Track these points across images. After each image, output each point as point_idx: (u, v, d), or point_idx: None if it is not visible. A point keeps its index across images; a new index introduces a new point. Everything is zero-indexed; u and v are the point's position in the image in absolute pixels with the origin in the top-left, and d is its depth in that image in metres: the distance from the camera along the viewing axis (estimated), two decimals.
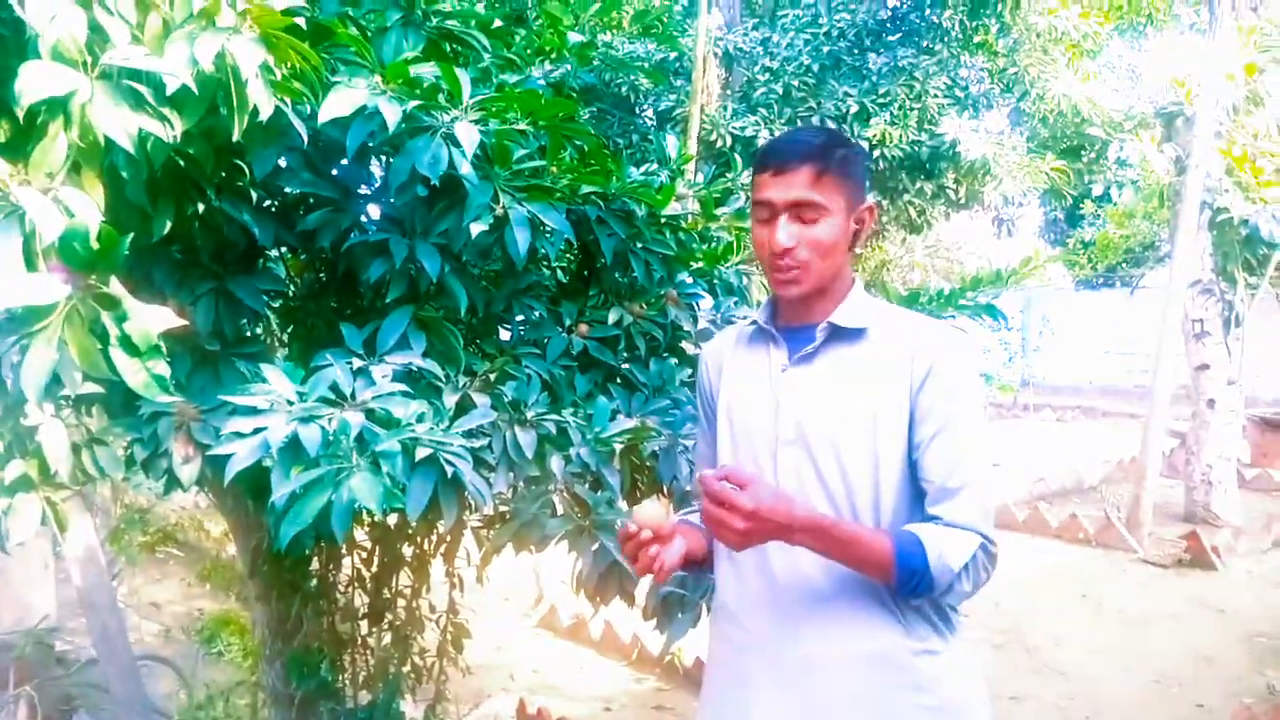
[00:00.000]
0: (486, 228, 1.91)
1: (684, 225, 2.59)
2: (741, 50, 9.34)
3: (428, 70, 1.84)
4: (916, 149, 8.94)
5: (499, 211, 1.94)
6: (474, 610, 3.57)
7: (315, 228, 1.97)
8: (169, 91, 1.38)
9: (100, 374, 1.30)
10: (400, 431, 1.60)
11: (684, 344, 2.54)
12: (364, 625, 2.87)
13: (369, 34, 2.11)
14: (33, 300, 1.22)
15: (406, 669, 2.91)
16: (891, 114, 8.71)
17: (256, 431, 1.57)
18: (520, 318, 2.41)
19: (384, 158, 2.14)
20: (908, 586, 1.35)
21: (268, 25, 1.45)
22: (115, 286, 1.30)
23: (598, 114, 8.50)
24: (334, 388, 1.73)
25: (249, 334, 2.19)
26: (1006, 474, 9.25)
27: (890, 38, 9.51)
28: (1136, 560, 6.49)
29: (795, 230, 1.42)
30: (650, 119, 9.53)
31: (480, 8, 3.57)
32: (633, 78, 8.44)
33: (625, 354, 2.39)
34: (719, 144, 8.77)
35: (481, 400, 1.93)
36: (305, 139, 1.73)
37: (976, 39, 9.03)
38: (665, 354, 2.45)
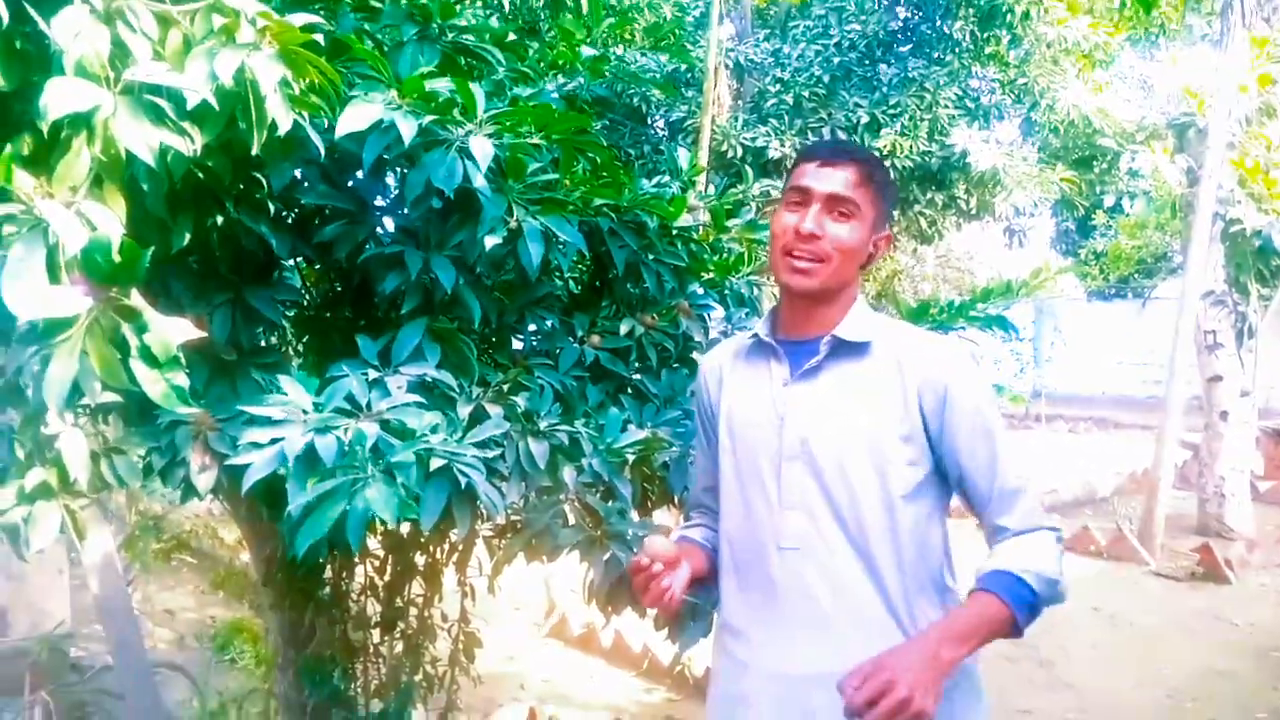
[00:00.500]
0: (500, 240, 1.93)
1: (695, 237, 2.60)
2: (753, 61, 9.38)
3: (443, 85, 1.87)
4: (927, 159, 8.94)
5: (513, 224, 1.96)
6: (485, 620, 3.58)
7: (331, 239, 1.99)
8: (189, 106, 1.41)
9: (120, 385, 1.31)
10: (415, 442, 1.61)
11: (695, 355, 2.55)
12: (376, 634, 2.89)
13: (385, 48, 2.14)
14: (56, 312, 1.24)
15: (418, 678, 2.92)
16: (902, 125, 8.72)
17: (273, 442, 1.59)
18: (533, 328, 2.43)
19: (399, 170, 2.16)
20: (1031, 618, 1.37)
21: (287, 42, 1.48)
22: (136, 298, 1.32)
23: (610, 125, 8.54)
24: (349, 398, 1.75)
25: (265, 344, 2.21)
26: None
27: (901, 49, 9.52)
28: (1149, 573, 6.45)
29: (825, 221, 1.44)
30: (662, 129, 9.56)
31: (494, 21, 3.60)
32: (644, 89, 8.48)
33: (637, 365, 2.40)
34: (730, 155, 8.80)
35: (495, 411, 1.94)
36: (322, 152, 1.75)
37: (987, 50, 9.04)
38: (676, 365, 2.46)
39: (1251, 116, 6.91)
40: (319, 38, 1.61)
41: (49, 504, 1.70)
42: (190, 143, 1.46)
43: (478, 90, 1.86)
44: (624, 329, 2.35)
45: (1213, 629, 5.36)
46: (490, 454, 1.83)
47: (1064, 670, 4.74)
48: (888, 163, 8.73)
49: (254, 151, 1.51)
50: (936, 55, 9.13)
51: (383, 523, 1.84)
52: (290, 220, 2.16)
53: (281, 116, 1.49)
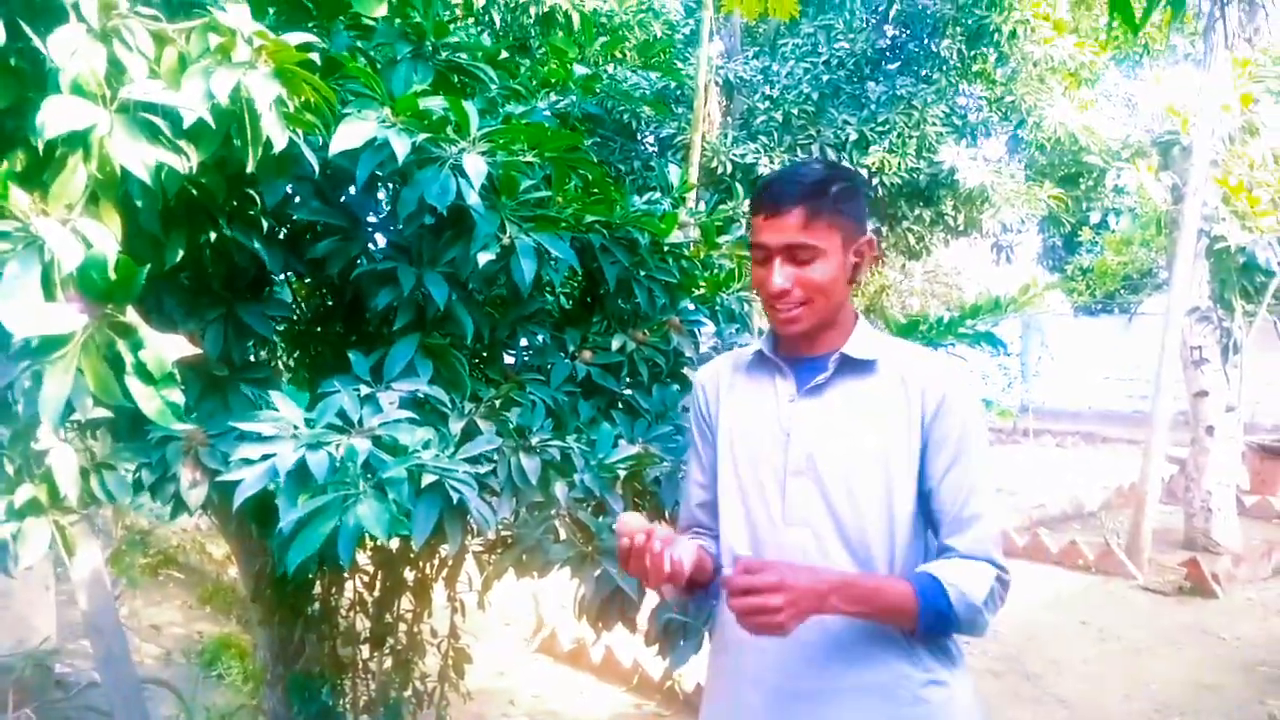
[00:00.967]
0: (493, 257, 1.94)
1: (686, 253, 2.62)
2: (742, 78, 9.44)
3: (436, 103, 1.88)
4: (915, 176, 9.00)
5: (505, 241, 1.97)
6: (475, 635, 3.57)
7: (324, 255, 2.00)
8: (185, 124, 1.42)
9: (115, 401, 1.32)
10: (407, 458, 1.62)
11: (686, 370, 2.56)
12: (365, 650, 2.88)
13: (379, 66, 2.16)
14: (51, 330, 1.24)
15: (407, 693, 2.91)
16: (890, 142, 8.78)
17: (265, 458, 1.59)
18: (524, 344, 2.44)
19: (392, 187, 2.17)
20: (934, 629, 1.36)
21: (282, 60, 1.49)
22: (131, 315, 1.33)
23: (600, 141, 8.57)
24: (341, 414, 1.75)
25: (256, 360, 2.21)
26: (1006, 500, 9.25)
27: (889, 66, 9.60)
28: (1136, 587, 6.47)
29: (790, 271, 1.43)
30: (652, 146, 9.60)
31: (485, 39, 3.62)
32: (635, 106, 8.52)
33: (628, 380, 2.41)
34: (720, 171, 8.84)
35: (486, 426, 1.95)
36: (316, 169, 1.76)
37: (975, 68, 9.12)
38: (667, 380, 2.47)
39: (1235, 135, 6.98)
40: (314, 56, 1.62)
41: (38, 520, 1.70)
42: (185, 160, 1.47)
43: (471, 108, 1.87)
44: (615, 344, 2.36)
45: (1200, 643, 5.38)
46: (482, 469, 1.83)
47: (1052, 684, 4.75)
48: (875, 180, 8.80)
49: (249, 169, 1.52)
50: (924, 73, 9.20)
51: (373, 538, 1.85)
52: (282, 236, 2.17)
53: (276, 134, 1.51)
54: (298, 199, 2.03)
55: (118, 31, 1.40)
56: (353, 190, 2.08)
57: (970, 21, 8.59)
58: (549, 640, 5.04)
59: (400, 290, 1.94)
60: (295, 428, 1.68)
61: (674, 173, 2.90)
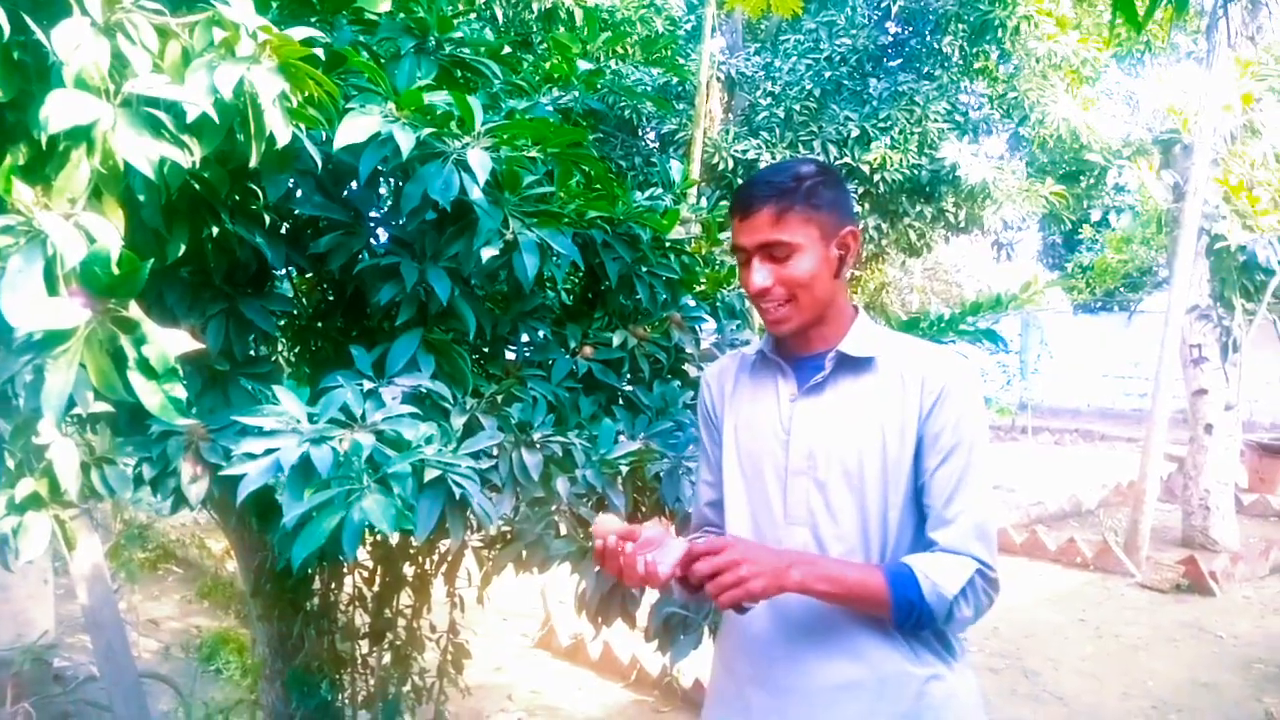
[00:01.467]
0: (496, 252, 1.94)
1: (688, 249, 2.62)
2: (744, 75, 9.42)
3: (440, 98, 1.88)
4: (917, 173, 8.99)
5: (508, 236, 1.97)
6: (474, 631, 3.57)
7: (326, 250, 2.00)
8: (189, 119, 1.41)
9: (117, 395, 1.32)
10: (410, 453, 1.62)
11: (687, 366, 2.56)
12: (365, 645, 2.88)
13: (383, 61, 2.15)
14: (54, 324, 1.24)
15: (406, 689, 2.91)
16: (892, 138, 8.78)
17: (268, 452, 1.59)
18: (526, 339, 2.43)
19: (395, 182, 2.17)
20: (908, 618, 1.36)
21: (286, 55, 1.49)
22: (134, 310, 1.33)
23: (602, 137, 8.56)
24: (344, 409, 1.75)
25: (258, 354, 2.21)
26: (1005, 497, 9.27)
27: (891, 63, 9.59)
28: (1134, 585, 6.49)
29: (769, 270, 1.44)
30: (654, 141, 9.59)
31: (488, 34, 3.62)
32: (637, 102, 8.51)
33: (629, 376, 2.41)
34: (721, 167, 8.83)
35: (488, 422, 1.95)
36: (319, 163, 1.76)
37: (977, 65, 9.10)
38: (669, 376, 2.47)
39: (1236, 134, 6.98)
40: (318, 51, 1.62)
41: (39, 514, 1.70)
42: (188, 155, 1.47)
43: (475, 103, 1.87)
44: (616, 340, 2.36)
45: (1197, 641, 5.39)
46: (484, 465, 1.84)
47: (1050, 681, 4.76)
48: (876, 176, 8.79)
49: (252, 164, 1.52)
50: (926, 70, 9.19)
51: (374, 534, 1.85)
52: (285, 231, 2.16)
53: (280, 129, 1.50)
54: (300, 194, 2.03)
55: (121, 25, 1.40)
56: (355, 185, 2.08)
57: (973, 17, 8.58)
58: (547, 636, 5.05)
59: (403, 285, 1.94)
60: (298, 422, 1.68)
61: (676, 169, 2.90)
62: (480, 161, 1.77)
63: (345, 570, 2.76)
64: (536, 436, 1.98)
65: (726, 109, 9.56)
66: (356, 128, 1.70)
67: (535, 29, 3.59)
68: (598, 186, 2.37)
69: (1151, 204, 7.66)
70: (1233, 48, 6.69)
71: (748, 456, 1.54)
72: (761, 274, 1.44)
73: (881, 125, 8.80)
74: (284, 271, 2.30)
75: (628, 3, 8.02)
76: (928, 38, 9.32)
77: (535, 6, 3.78)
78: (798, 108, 9.00)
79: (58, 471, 1.67)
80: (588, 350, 2.35)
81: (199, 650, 4.67)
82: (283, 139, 1.51)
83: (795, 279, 1.43)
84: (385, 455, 1.62)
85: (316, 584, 2.76)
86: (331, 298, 2.41)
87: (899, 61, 9.57)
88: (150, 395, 1.31)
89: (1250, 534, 7.80)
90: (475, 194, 1.81)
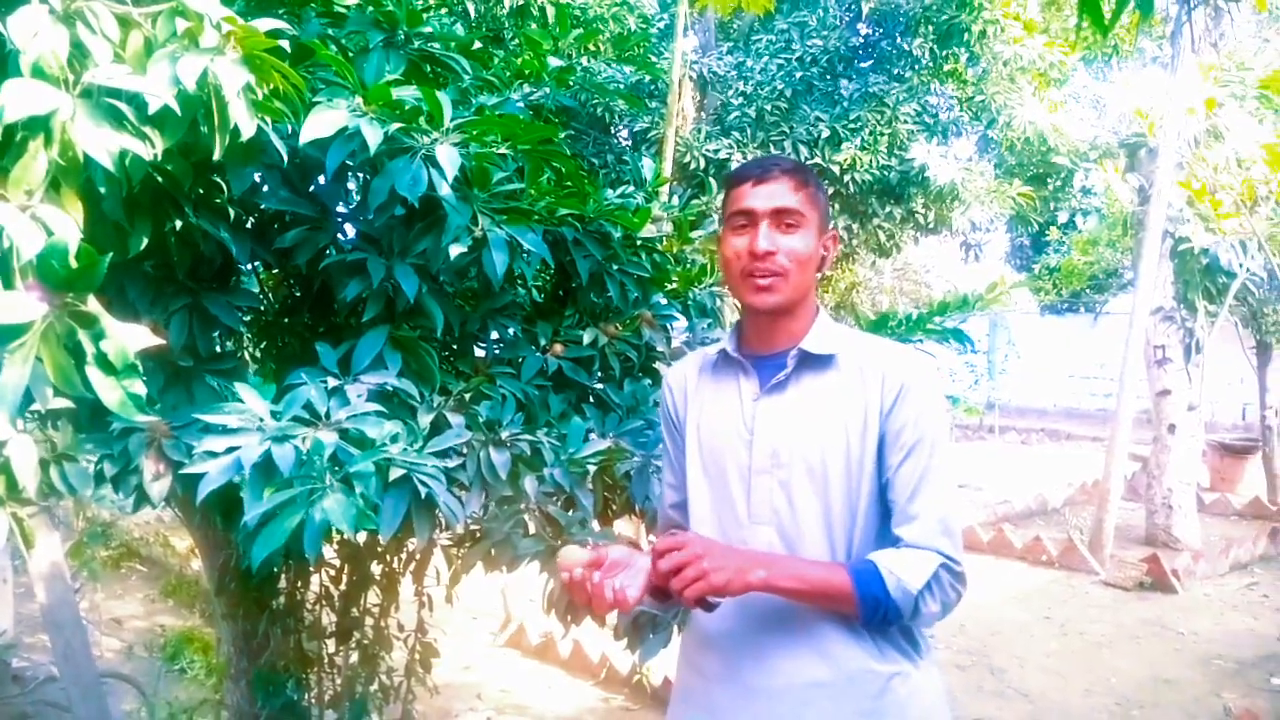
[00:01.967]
0: (465, 249, 1.92)
1: (659, 247, 2.61)
2: (716, 74, 9.43)
3: (409, 93, 1.86)
4: (886, 174, 9.04)
5: (477, 233, 1.95)
6: (442, 629, 3.55)
7: (292, 245, 1.97)
8: (151, 111, 1.39)
9: (75, 392, 1.29)
10: (375, 452, 1.60)
11: (658, 365, 2.56)
12: (331, 644, 2.85)
13: (351, 54, 2.13)
14: (10, 319, 1.21)
15: (374, 688, 2.89)
16: (862, 139, 8.82)
17: (230, 450, 1.57)
18: (495, 337, 2.42)
19: (362, 177, 2.15)
20: (874, 615, 1.37)
21: (251, 47, 1.47)
22: (92, 304, 1.30)
23: (574, 135, 8.53)
24: (308, 407, 1.73)
25: (222, 350, 2.18)
26: (972, 496, 9.36)
27: (862, 64, 9.63)
28: (1098, 582, 6.58)
29: (775, 237, 1.45)
30: (625, 140, 9.57)
31: (459, 29, 3.59)
32: (609, 99, 8.49)
33: (599, 374, 2.40)
34: (693, 166, 8.83)
35: (456, 420, 1.93)
36: (284, 157, 1.73)
37: (946, 67, 9.17)
38: (639, 375, 2.47)
39: (1200, 138, 7.09)
40: (284, 43, 1.60)
41: None
42: (150, 147, 1.44)
43: (444, 99, 1.85)
44: (587, 338, 2.36)
45: (1159, 638, 5.47)
46: (451, 463, 1.82)
47: (1015, 678, 4.81)
48: (846, 177, 8.84)
49: (216, 156, 1.49)
50: (896, 71, 9.24)
51: (338, 531, 1.82)
52: (250, 225, 2.13)
53: (244, 122, 1.48)
54: (266, 188, 2.00)
55: (81, 14, 1.37)
56: (322, 180, 2.05)
57: (941, 21, 8.64)
58: (517, 634, 5.03)
59: (370, 281, 1.92)
60: (261, 420, 1.66)
61: (647, 167, 2.90)
62: (449, 157, 1.76)
63: (312, 569, 2.73)
64: (505, 435, 1.96)
65: (699, 108, 9.56)
66: (323, 122, 1.68)
67: (507, 25, 3.57)
68: (569, 184, 2.36)
69: (1117, 207, 7.77)
70: (1196, 53, 6.79)
71: (711, 456, 1.54)
72: (769, 239, 1.45)
73: (852, 126, 8.84)
74: (250, 266, 2.27)
75: (600, 0, 8.00)
76: (898, 40, 9.38)
77: (507, 2, 3.76)
78: (769, 108, 9.02)
79: (15, 468, 1.63)
80: (558, 348, 2.34)
81: (163, 649, 4.61)
82: (247, 132, 1.49)
83: (797, 252, 1.46)
84: (349, 454, 1.60)
85: (282, 582, 2.73)
86: (298, 293, 2.38)
87: (870, 63, 9.61)
88: (109, 391, 1.28)
89: (1211, 532, 7.93)
90: (444, 190, 1.80)
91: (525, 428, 2.03)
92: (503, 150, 2.01)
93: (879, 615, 1.37)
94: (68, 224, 1.32)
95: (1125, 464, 7.39)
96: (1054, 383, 17.35)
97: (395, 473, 1.61)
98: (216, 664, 3.94)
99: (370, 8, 2.18)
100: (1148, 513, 7.73)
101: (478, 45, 2.60)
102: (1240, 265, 7.00)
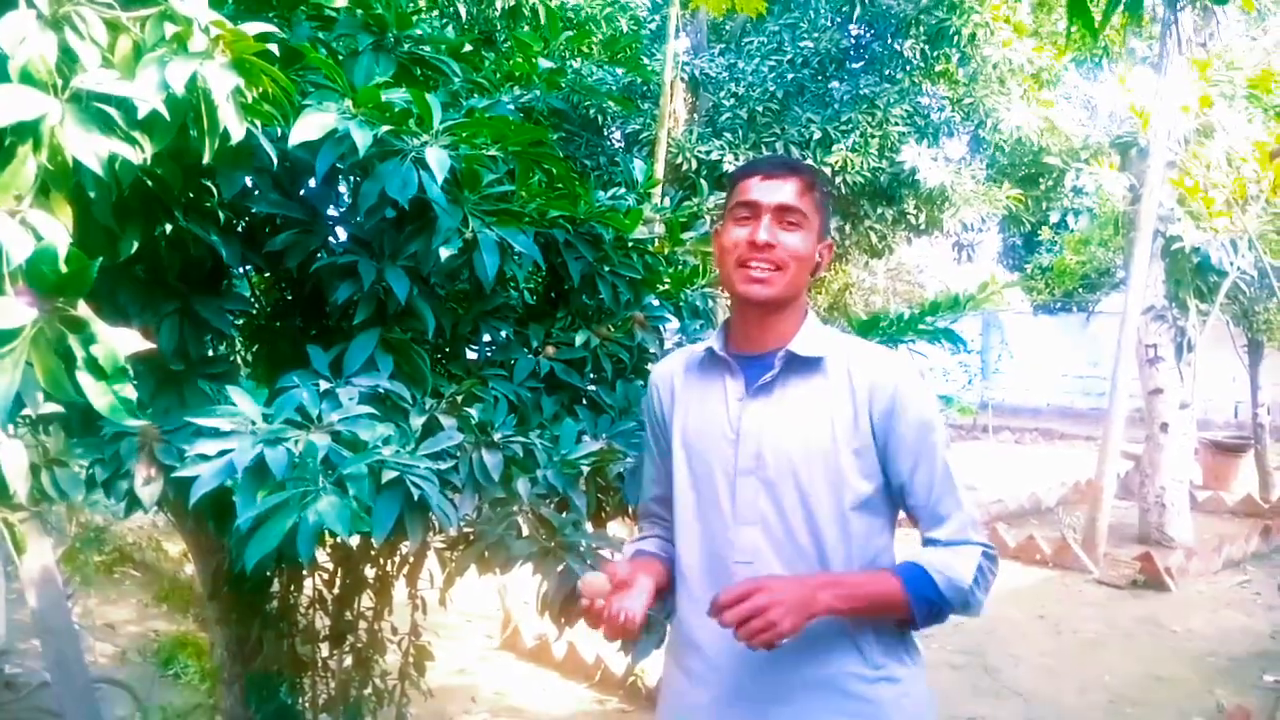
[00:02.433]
0: (456, 251, 1.92)
1: (651, 249, 2.62)
2: (708, 76, 9.44)
3: (399, 95, 1.86)
4: (878, 175, 9.06)
5: (468, 235, 1.95)
6: (436, 632, 3.55)
7: (283, 248, 1.97)
8: (140, 115, 1.39)
9: (66, 397, 1.29)
10: (367, 454, 1.60)
11: (650, 366, 2.56)
12: (325, 647, 2.85)
13: (340, 57, 2.13)
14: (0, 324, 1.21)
15: (368, 692, 2.88)
16: (854, 141, 8.84)
17: (222, 454, 1.57)
18: (487, 339, 2.42)
19: (352, 179, 2.15)
20: (929, 615, 1.40)
21: (240, 50, 1.46)
22: (83, 309, 1.30)
23: (566, 136, 8.53)
24: (300, 410, 1.73)
25: (213, 354, 2.18)
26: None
27: (853, 66, 9.65)
28: (1092, 581, 6.59)
29: (776, 232, 1.47)
30: (618, 141, 9.58)
31: (449, 31, 3.59)
32: (601, 101, 8.49)
33: (592, 376, 2.40)
34: (685, 168, 8.84)
35: (448, 422, 1.93)
36: (274, 160, 1.73)
37: (937, 68, 9.20)
38: (632, 376, 2.47)
39: (1190, 137, 7.12)
40: (273, 46, 1.60)
41: None
42: (140, 151, 1.44)
43: (434, 101, 1.85)
44: (579, 340, 2.36)
45: (1153, 636, 5.49)
46: (444, 465, 1.82)
47: (1009, 677, 4.82)
48: (838, 179, 8.86)
49: (206, 160, 1.49)
50: (888, 73, 9.27)
51: (333, 536, 1.82)
52: (240, 228, 2.13)
53: (234, 126, 1.48)
54: (256, 191, 2.00)
55: (69, 19, 1.37)
56: (312, 183, 2.05)
57: (931, 23, 8.67)
58: (512, 637, 5.03)
59: (361, 284, 1.92)
60: (253, 423, 1.66)
61: (639, 168, 2.90)
62: (438, 160, 1.76)
63: (305, 572, 2.72)
64: (497, 437, 1.96)
65: (690, 110, 9.58)
66: (312, 124, 1.68)
67: (498, 27, 3.57)
68: (560, 186, 2.37)
69: (1109, 206, 7.80)
70: (1184, 54, 6.81)
71: (697, 456, 1.55)
72: (770, 232, 1.47)
73: (843, 128, 8.86)
74: (241, 270, 2.27)
75: (592, 2, 8.01)
76: (889, 41, 9.40)
77: (498, 4, 3.75)
78: (761, 109, 9.04)
79: (6, 474, 1.63)
80: (550, 350, 2.34)
81: (156, 654, 4.59)
82: (237, 135, 1.49)
83: (795, 250, 1.48)
84: (342, 456, 1.60)
85: (276, 586, 2.72)
86: (289, 296, 2.38)
87: (861, 64, 9.64)
88: (99, 396, 1.28)
89: (1204, 530, 7.96)
90: (434, 192, 1.80)
91: (518, 429, 2.03)
92: (493, 152, 2.01)
93: (932, 615, 1.41)
94: (57, 229, 1.31)
95: (1118, 463, 7.41)
96: (1047, 382, 17.38)
97: (388, 475, 1.61)
98: (210, 669, 3.93)
99: (359, 11, 2.18)
100: (1141, 511, 7.75)
101: (468, 48, 2.60)
102: (1231, 264, 7.03)
